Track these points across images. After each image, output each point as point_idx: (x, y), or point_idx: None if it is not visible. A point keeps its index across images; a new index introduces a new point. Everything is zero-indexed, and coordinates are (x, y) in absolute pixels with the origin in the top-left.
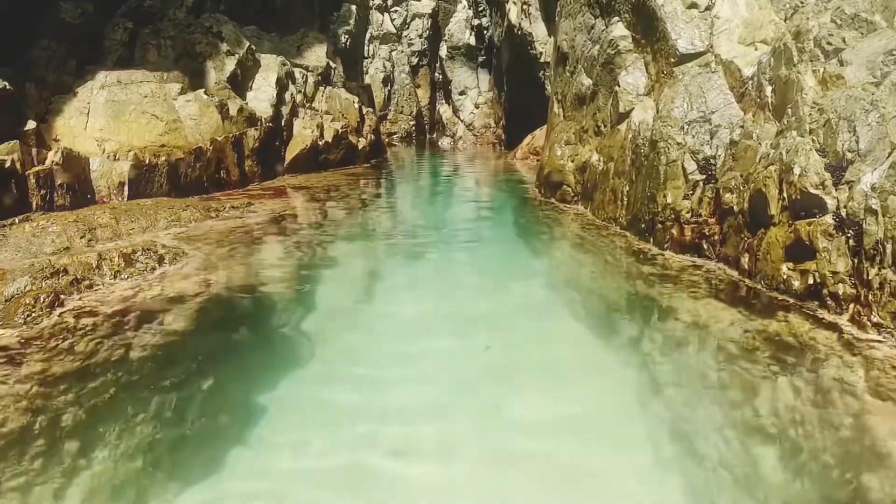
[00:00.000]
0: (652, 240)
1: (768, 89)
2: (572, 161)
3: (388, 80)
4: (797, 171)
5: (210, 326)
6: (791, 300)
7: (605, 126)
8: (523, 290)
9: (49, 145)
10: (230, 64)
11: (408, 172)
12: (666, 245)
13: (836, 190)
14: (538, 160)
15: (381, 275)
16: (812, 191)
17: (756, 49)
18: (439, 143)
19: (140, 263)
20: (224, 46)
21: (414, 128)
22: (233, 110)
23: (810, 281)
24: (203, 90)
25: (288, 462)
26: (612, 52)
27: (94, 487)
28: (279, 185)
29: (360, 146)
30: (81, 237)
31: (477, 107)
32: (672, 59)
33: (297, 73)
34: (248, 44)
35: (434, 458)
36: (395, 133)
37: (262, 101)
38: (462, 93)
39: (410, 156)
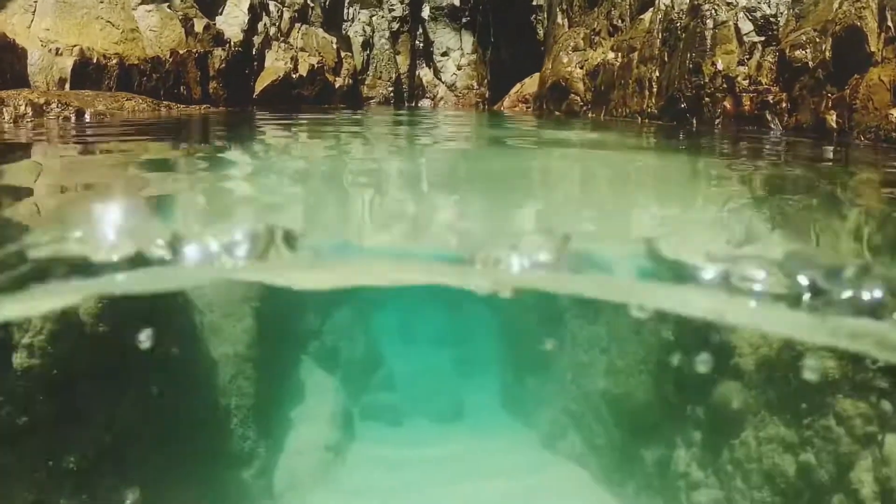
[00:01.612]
0: (695, 119)
1: None
2: (581, 67)
3: (367, 45)
4: None
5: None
6: None
7: (622, 21)
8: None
9: None
10: None
11: (390, 111)
12: (717, 121)
13: None
14: (528, 108)
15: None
16: None
17: None
18: (419, 105)
19: (52, 113)
20: None
21: (392, 94)
22: (198, 27)
23: None
24: (167, 4)
25: None
26: None
27: None
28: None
29: (337, 85)
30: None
31: (459, 68)
32: None
33: (273, 6)
34: None
35: None
36: (372, 98)
37: (232, 25)
38: (444, 54)
39: (389, 110)
